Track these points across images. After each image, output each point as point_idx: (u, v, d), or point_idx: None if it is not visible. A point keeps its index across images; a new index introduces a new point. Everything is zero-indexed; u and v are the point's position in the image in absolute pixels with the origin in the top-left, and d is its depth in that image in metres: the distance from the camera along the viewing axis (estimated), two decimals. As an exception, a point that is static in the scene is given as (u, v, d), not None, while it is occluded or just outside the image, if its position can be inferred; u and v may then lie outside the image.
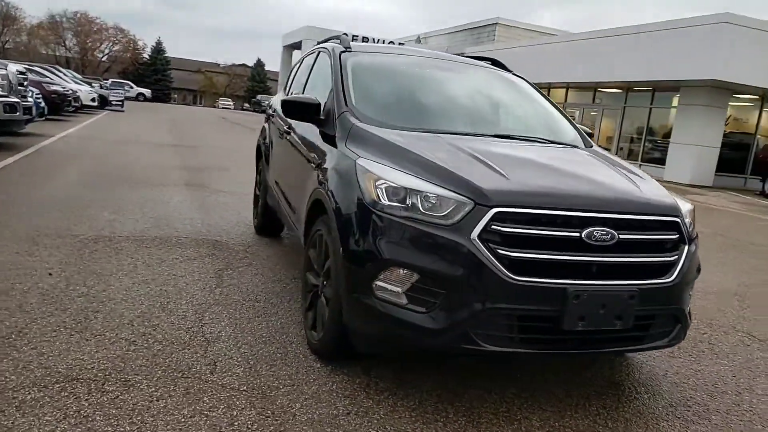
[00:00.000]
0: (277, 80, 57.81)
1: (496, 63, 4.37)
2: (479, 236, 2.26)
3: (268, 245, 5.11)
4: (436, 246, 2.31)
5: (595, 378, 3.06)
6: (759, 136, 20.64)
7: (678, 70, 18.11)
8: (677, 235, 2.56)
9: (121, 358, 2.72)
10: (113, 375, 2.55)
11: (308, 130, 3.61)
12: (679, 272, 2.51)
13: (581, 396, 2.81)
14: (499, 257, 2.24)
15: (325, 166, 3.04)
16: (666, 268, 2.49)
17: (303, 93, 4.30)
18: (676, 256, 2.53)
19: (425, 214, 2.36)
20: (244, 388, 2.56)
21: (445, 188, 2.39)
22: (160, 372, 2.63)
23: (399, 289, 2.37)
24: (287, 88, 5.15)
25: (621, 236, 2.37)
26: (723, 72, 17.02)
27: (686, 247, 2.59)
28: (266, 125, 5.36)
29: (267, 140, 5.09)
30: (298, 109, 3.47)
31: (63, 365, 2.60)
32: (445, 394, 2.68)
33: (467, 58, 4.39)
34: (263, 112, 5.97)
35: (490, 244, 2.25)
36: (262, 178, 5.25)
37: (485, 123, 3.62)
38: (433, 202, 2.38)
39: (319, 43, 4.66)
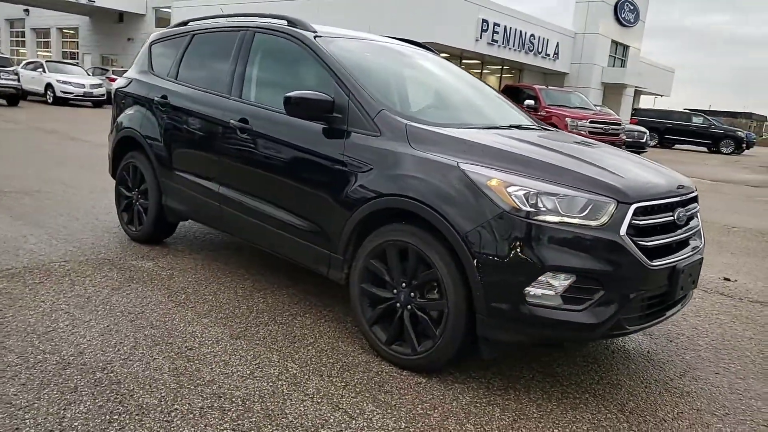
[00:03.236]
0: None
1: (426, 47, 4.47)
2: (626, 232, 2.50)
3: (160, 255, 4.33)
4: (590, 246, 2.45)
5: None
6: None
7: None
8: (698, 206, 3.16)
9: None
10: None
11: (301, 130, 3.24)
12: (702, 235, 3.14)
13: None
14: (640, 248, 2.52)
15: (394, 172, 2.82)
16: (700, 233, 3.09)
17: (235, 81, 3.77)
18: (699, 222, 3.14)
19: (572, 217, 2.48)
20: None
21: (579, 189, 2.53)
22: None
23: (553, 292, 2.47)
24: (174, 73, 4.34)
25: (687, 212, 2.88)
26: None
27: None
28: (140, 111, 4.44)
29: (159, 132, 4.24)
30: (306, 107, 3.09)
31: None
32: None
33: (411, 44, 4.38)
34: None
35: (632, 238, 2.52)
36: (150, 177, 4.36)
37: (486, 114, 3.76)
38: (570, 203, 2.50)
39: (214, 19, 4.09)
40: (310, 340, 3.09)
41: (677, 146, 28.30)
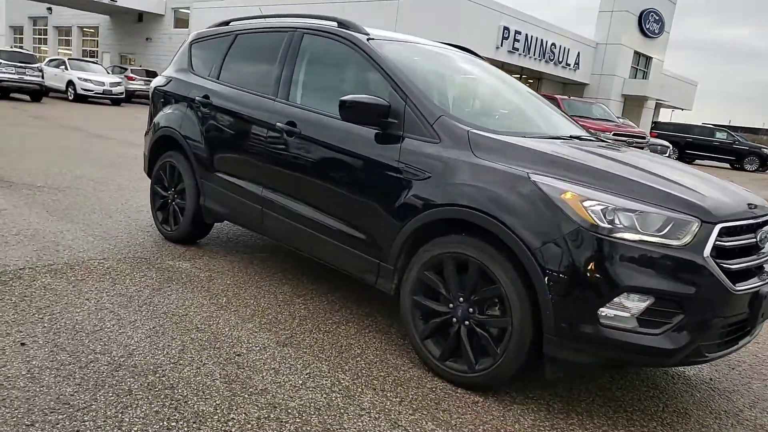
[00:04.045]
0: None
1: (471, 51, 4.39)
2: (710, 253, 2.38)
3: (196, 256, 4.27)
4: (671, 267, 2.34)
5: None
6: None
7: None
8: None
9: None
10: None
11: (353, 135, 3.18)
12: None
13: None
14: (723, 271, 2.41)
15: (456, 181, 2.74)
16: None
17: (282, 83, 3.71)
18: None
19: (651, 235, 2.37)
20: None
21: (658, 206, 2.41)
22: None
23: (629, 314, 2.36)
24: (216, 73, 4.29)
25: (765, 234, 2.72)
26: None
27: None
28: (179, 111, 4.40)
29: (199, 132, 4.19)
30: (361, 111, 3.02)
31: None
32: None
33: (456, 48, 4.30)
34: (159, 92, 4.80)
35: (716, 260, 2.41)
36: (188, 177, 4.31)
37: (543, 123, 3.68)
38: (649, 220, 2.39)
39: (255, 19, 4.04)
40: (357, 351, 3.01)
41: (698, 161, 28.00)
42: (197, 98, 4.23)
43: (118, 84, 22.70)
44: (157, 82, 4.84)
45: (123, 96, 22.83)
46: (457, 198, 2.70)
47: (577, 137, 3.49)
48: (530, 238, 2.46)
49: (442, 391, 2.70)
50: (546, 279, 2.42)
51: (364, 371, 2.80)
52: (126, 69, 27.01)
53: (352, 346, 3.06)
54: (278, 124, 3.58)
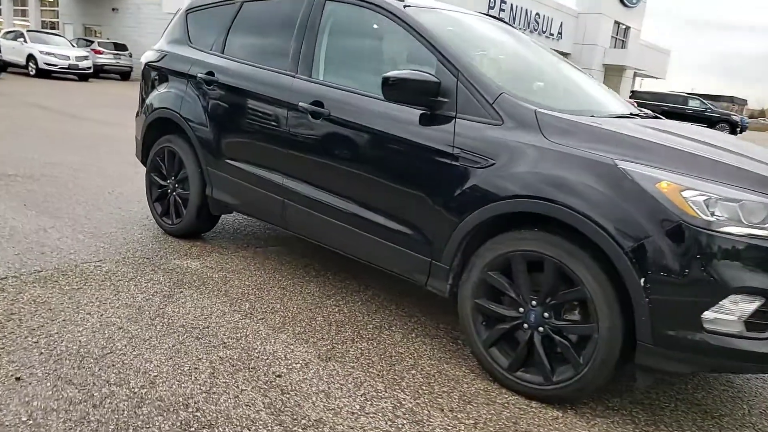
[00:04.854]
0: None
1: (504, 21, 4.00)
2: None
3: (204, 253, 3.85)
4: None
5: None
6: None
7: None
8: None
9: None
10: None
11: (393, 116, 2.78)
12: None
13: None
14: None
15: (528, 170, 2.37)
16: None
17: (302, 57, 3.26)
18: None
19: (760, 228, 2.05)
20: None
21: (763, 193, 2.11)
22: None
23: (735, 317, 2.06)
24: (220, 46, 3.81)
25: None
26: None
27: None
28: (178, 89, 3.91)
29: (204, 114, 3.72)
30: (407, 89, 2.61)
31: None
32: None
33: (490, 17, 3.89)
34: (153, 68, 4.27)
35: None
36: (191, 164, 3.86)
37: (600, 100, 3.29)
38: (755, 211, 2.07)
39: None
40: (410, 362, 2.65)
41: (674, 128, 28.13)
42: (199, 75, 3.75)
43: (85, 58, 21.61)
44: (148, 56, 4.31)
45: (91, 71, 21.76)
46: (531, 189, 2.33)
47: (637, 115, 3.14)
48: (622, 235, 2.12)
49: (515, 406, 2.38)
50: (642, 281, 2.09)
51: (424, 387, 2.45)
52: (92, 42, 25.74)
53: (403, 355, 2.71)
54: (301, 104, 3.14)
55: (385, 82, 2.63)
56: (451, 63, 2.68)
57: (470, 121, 2.57)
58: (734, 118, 27.70)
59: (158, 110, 4.04)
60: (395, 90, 2.63)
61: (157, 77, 4.18)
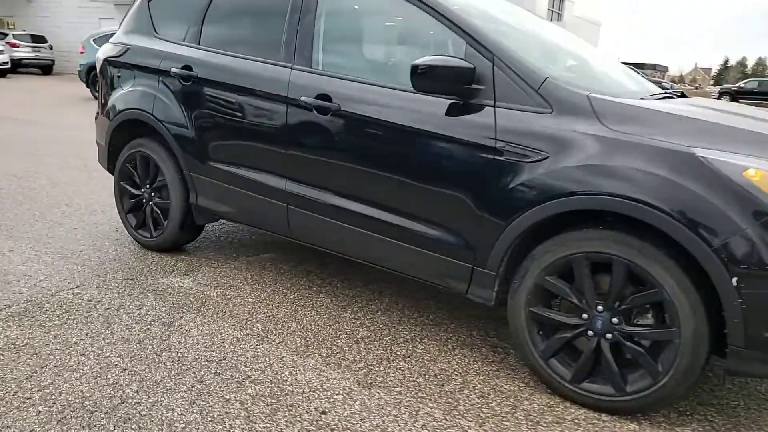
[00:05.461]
0: None
1: None
2: None
3: (193, 268, 3.47)
4: None
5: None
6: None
7: None
8: None
9: None
10: None
11: (419, 108, 2.50)
12: None
13: None
14: None
15: (589, 163, 2.13)
16: None
17: (298, 45, 2.92)
18: None
19: None
20: None
21: None
22: None
23: None
24: (194, 36, 3.39)
25: None
26: None
27: None
28: (147, 87, 3.48)
29: (183, 113, 3.31)
30: (439, 78, 2.34)
31: None
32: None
33: None
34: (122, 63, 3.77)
35: None
36: (170, 170, 3.45)
37: (634, 80, 3.09)
38: None
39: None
40: (459, 380, 2.41)
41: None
42: (174, 70, 3.33)
43: (0, 52, 20.01)
44: (106, 52, 3.83)
45: (8, 66, 20.19)
46: (596, 185, 2.10)
47: (677, 94, 2.97)
48: (710, 232, 1.93)
49: (587, 422, 2.18)
50: (735, 280, 1.91)
51: (484, 409, 2.22)
52: (6, 35, 23.88)
53: (448, 373, 2.46)
54: (303, 98, 2.81)
55: (414, 70, 2.34)
56: (483, 46, 2.41)
57: (513, 110, 2.31)
58: (665, 85, 28.68)
59: (126, 111, 3.59)
60: (426, 79, 2.35)
61: (119, 74, 3.71)
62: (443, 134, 2.43)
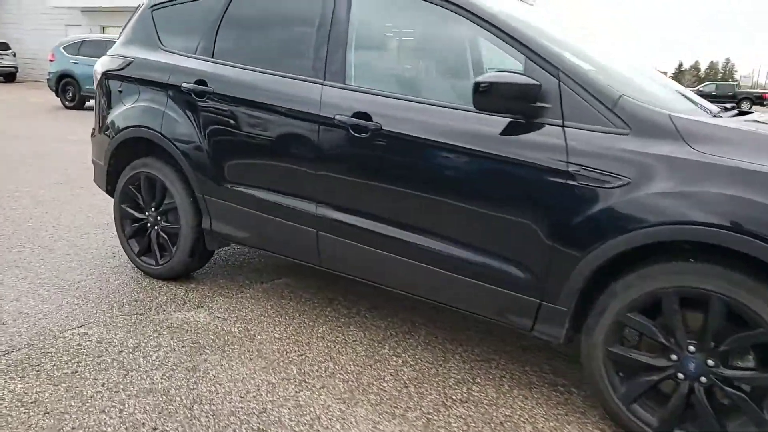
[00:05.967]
0: None
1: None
2: None
3: (207, 299, 3.18)
4: None
5: None
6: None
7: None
8: None
9: None
10: None
11: (473, 128, 2.28)
12: None
13: None
14: None
15: (682, 189, 1.93)
16: None
17: (329, 59, 2.67)
18: None
19: None
20: None
21: None
22: None
23: None
24: (207, 49, 3.12)
25: None
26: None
27: None
28: (154, 103, 3.18)
29: (196, 131, 3.03)
30: (503, 95, 2.13)
31: None
32: None
33: None
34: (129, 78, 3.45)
35: None
36: (180, 192, 3.16)
37: (676, 91, 2.90)
38: None
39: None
40: (528, 428, 2.18)
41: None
42: (185, 85, 3.04)
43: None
44: (105, 64, 3.51)
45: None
46: (690, 213, 1.90)
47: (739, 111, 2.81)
48: None
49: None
50: None
51: (564, 464, 1.99)
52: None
53: (514, 420, 2.23)
54: (338, 117, 2.56)
55: (476, 88, 2.12)
56: (545, 59, 2.20)
57: (585, 130, 2.11)
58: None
59: (129, 129, 3.28)
60: (488, 97, 2.12)
61: (120, 89, 3.40)
62: (505, 156, 2.21)
